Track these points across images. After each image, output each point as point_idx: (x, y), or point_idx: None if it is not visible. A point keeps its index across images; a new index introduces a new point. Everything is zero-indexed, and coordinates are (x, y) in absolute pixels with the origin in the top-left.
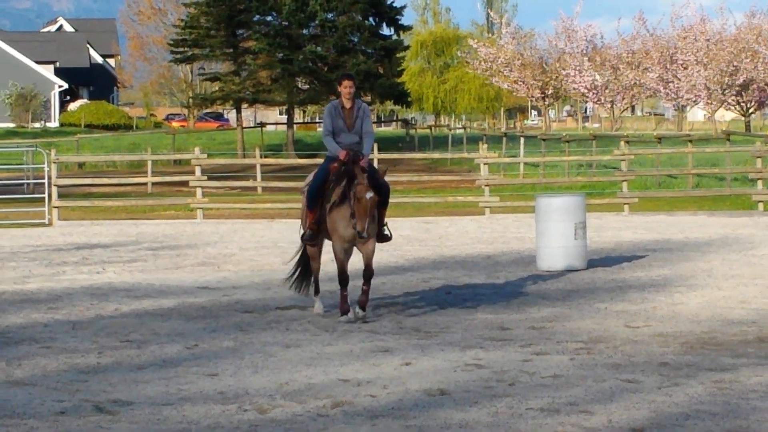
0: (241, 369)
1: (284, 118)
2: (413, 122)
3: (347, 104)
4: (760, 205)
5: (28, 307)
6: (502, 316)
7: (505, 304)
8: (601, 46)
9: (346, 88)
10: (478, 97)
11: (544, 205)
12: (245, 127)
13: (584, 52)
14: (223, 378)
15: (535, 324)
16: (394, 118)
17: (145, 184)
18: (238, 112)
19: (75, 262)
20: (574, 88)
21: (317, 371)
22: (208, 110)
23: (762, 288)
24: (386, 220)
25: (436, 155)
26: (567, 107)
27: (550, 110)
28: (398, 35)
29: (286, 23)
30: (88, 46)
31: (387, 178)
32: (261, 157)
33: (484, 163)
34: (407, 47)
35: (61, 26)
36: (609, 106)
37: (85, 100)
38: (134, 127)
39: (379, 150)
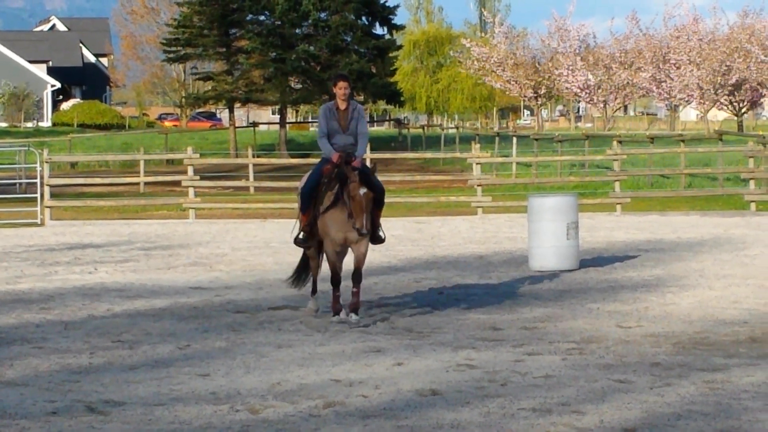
0: (233, 369)
1: (277, 117)
2: (406, 122)
3: (342, 105)
4: (752, 205)
5: (20, 307)
6: (494, 317)
7: (497, 304)
8: (594, 46)
9: (341, 89)
10: (470, 96)
11: (537, 205)
12: (238, 127)
13: (577, 51)
14: (215, 378)
15: (527, 324)
16: (387, 117)
17: (138, 183)
18: (231, 111)
19: (67, 262)
20: (566, 88)
21: (309, 371)
22: (200, 110)
23: (754, 288)
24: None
25: (429, 155)
26: (559, 107)
27: (543, 110)
28: (391, 35)
29: (279, 23)
30: (80, 45)
31: (380, 178)
32: (253, 156)
33: (477, 163)
34: (400, 47)
35: (53, 25)
36: (602, 105)
37: (78, 100)
38: (127, 126)
39: (372, 149)
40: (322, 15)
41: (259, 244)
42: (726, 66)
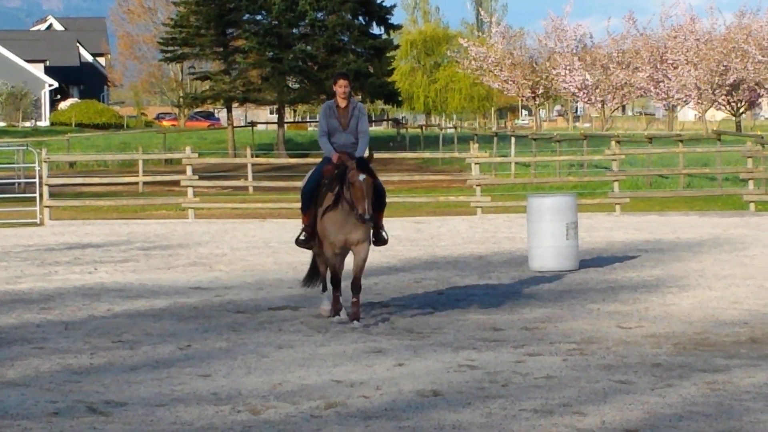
0: (234, 370)
1: (275, 117)
2: (404, 122)
3: (342, 103)
4: (752, 205)
5: (20, 307)
6: (494, 317)
7: (497, 304)
8: (591, 46)
9: (341, 87)
10: (468, 96)
11: (536, 205)
12: (236, 127)
13: (574, 51)
14: (216, 379)
15: (527, 325)
16: (385, 117)
17: (136, 183)
18: (229, 111)
19: (67, 262)
20: (564, 88)
21: (310, 372)
22: (198, 109)
23: (754, 288)
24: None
25: (427, 155)
26: (557, 107)
27: (541, 110)
28: (388, 34)
29: (276, 22)
30: (78, 44)
31: (378, 178)
32: (252, 156)
33: (475, 163)
34: (397, 46)
35: (50, 25)
36: (599, 105)
37: (76, 99)
38: (125, 126)
39: (370, 149)
40: (319, 15)
41: (259, 244)
42: (723, 66)
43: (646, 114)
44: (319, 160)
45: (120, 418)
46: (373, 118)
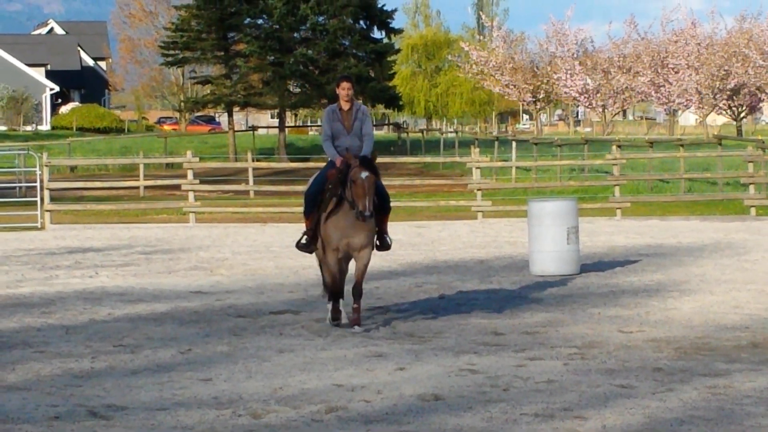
0: (234, 374)
1: (276, 121)
2: (405, 126)
3: (345, 106)
4: (752, 210)
5: (21, 311)
6: (495, 321)
7: (498, 309)
8: (592, 50)
9: (344, 89)
10: (469, 100)
11: (537, 210)
12: (237, 131)
13: (575, 56)
14: (217, 383)
15: (528, 329)
16: (386, 121)
17: (138, 187)
18: (230, 115)
19: (68, 266)
20: (565, 92)
21: (311, 376)
22: (199, 113)
23: (755, 293)
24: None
25: (428, 159)
26: (558, 111)
27: (542, 114)
28: (389, 38)
29: (277, 26)
30: (78, 48)
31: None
32: (253, 160)
33: (476, 167)
34: (398, 51)
35: (51, 29)
36: (600, 110)
37: (77, 103)
38: (126, 130)
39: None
40: (320, 19)
41: (260, 248)
42: (724, 70)
43: (647, 118)
44: (320, 164)
45: (121, 422)
46: (374, 123)
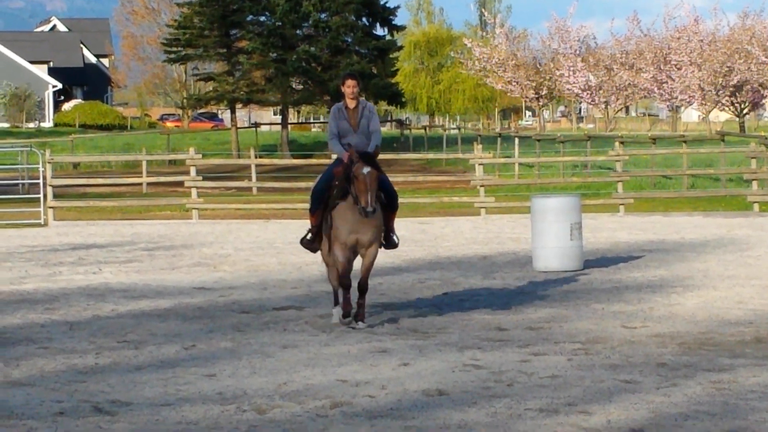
0: (239, 369)
1: (278, 118)
2: (408, 122)
3: (351, 104)
4: (755, 206)
5: (25, 307)
6: (499, 317)
7: (501, 304)
8: (595, 47)
9: (349, 87)
10: (472, 97)
11: (540, 206)
12: (240, 128)
13: (578, 52)
14: (222, 378)
15: (532, 324)
16: (389, 118)
17: (140, 184)
18: (233, 112)
19: (71, 263)
20: (567, 89)
21: (315, 372)
22: (202, 110)
23: (758, 289)
24: (393, 224)
25: (431, 156)
26: (561, 108)
27: (545, 111)
28: (392, 35)
29: (280, 23)
30: (81, 45)
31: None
32: (256, 157)
33: (479, 164)
34: (401, 47)
35: (54, 26)
36: (603, 106)
37: (79, 100)
38: (128, 127)
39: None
40: (323, 16)
41: (263, 245)
42: (727, 67)
43: (649, 115)
44: (323, 161)
45: (125, 417)
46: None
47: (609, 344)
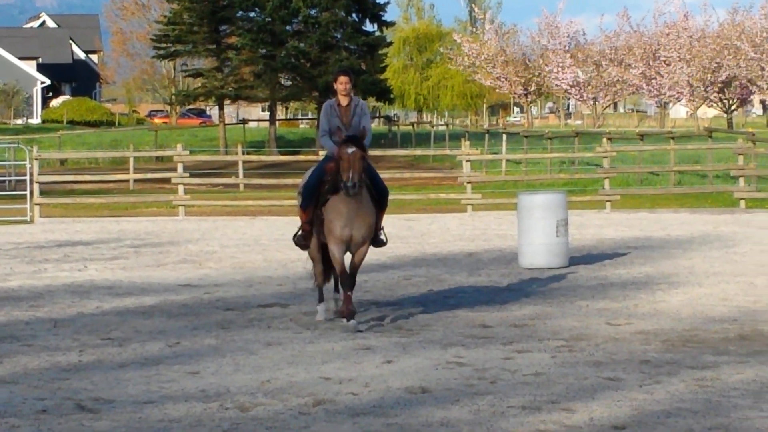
0: (222, 367)
1: (267, 114)
2: (395, 119)
3: (343, 101)
4: (742, 203)
5: (9, 304)
6: (483, 314)
7: (486, 301)
8: (584, 43)
9: (341, 84)
10: (460, 93)
11: (526, 203)
12: (227, 124)
13: (567, 48)
14: (205, 376)
15: (516, 322)
16: (377, 114)
17: (127, 181)
18: (221, 108)
19: (56, 260)
20: (556, 85)
21: (299, 369)
22: (190, 107)
23: (743, 285)
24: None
25: (419, 152)
26: (549, 104)
27: (533, 107)
28: (381, 31)
29: (269, 19)
30: (70, 42)
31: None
32: (243, 153)
33: (467, 160)
34: (390, 43)
35: (43, 22)
36: (591, 102)
37: (68, 97)
38: (116, 123)
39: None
40: (312, 12)
41: (249, 242)
42: (716, 63)
43: (638, 111)
44: (310, 157)
45: (108, 415)
46: None
47: (593, 341)
